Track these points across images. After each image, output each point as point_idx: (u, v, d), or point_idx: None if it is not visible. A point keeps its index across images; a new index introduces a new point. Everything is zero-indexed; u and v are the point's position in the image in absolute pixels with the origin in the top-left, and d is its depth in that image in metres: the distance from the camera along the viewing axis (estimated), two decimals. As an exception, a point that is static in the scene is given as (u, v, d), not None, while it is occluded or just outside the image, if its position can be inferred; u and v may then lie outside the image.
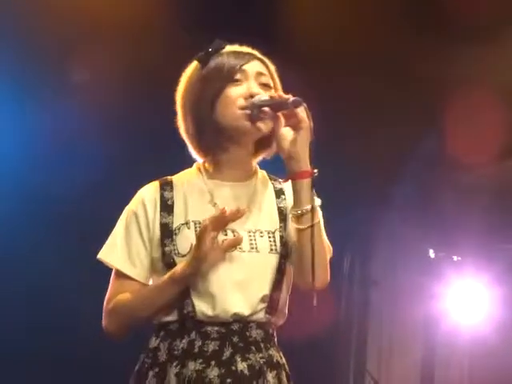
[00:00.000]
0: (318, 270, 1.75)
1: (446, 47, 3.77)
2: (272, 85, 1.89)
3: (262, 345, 1.84)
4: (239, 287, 1.82)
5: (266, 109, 1.78)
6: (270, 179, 1.97)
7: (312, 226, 1.74)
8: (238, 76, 1.85)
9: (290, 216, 1.81)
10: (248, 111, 1.79)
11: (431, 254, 6.06)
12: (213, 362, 1.78)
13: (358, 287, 6.14)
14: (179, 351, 1.82)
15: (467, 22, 3.69)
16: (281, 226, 1.86)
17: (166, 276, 1.82)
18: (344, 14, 3.90)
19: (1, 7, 3.87)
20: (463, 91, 3.97)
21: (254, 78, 1.85)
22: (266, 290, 1.83)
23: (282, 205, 1.89)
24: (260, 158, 1.97)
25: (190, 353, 1.80)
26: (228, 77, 1.84)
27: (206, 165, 1.94)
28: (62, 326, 4.32)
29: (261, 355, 1.82)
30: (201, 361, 1.79)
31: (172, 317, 1.86)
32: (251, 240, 1.84)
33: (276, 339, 1.92)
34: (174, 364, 1.81)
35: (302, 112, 1.73)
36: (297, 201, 1.76)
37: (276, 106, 1.76)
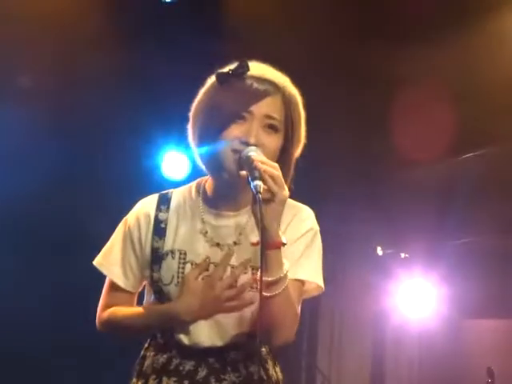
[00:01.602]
0: (283, 330, 1.76)
1: (393, 47, 3.81)
2: (280, 127, 1.82)
3: (241, 364, 1.83)
4: (214, 322, 1.82)
5: (244, 172, 1.73)
6: None
7: (281, 292, 1.71)
8: (245, 114, 1.79)
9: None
10: (237, 156, 1.76)
11: (379, 251, 6.13)
12: (186, 382, 1.80)
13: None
14: (158, 365, 1.84)
15: (413, 22, 3.74)
16: None
17: (155, 310, 1.86)
18: (292, 16, 3.92)
19: None
20: (410, 90, 4.02)
21: (259, 121, 1.80)
22: (244, 325, 1.83)
23: None
24: None
25: (167, 369, 1.82)
26: (234, 115, 1.79)
27: (207, 186, 1.92)
28: (16, 323, 4.29)
29: (237, 375, 1.82)
30: (175, 379, 1.80)
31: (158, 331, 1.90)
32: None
33: (265, 352, 1.90)
34: (153, 377, 1.83)
35: (273, 188, 1.66)
36: (266, 269, 1.71)
37: (249, 177, 1.69)
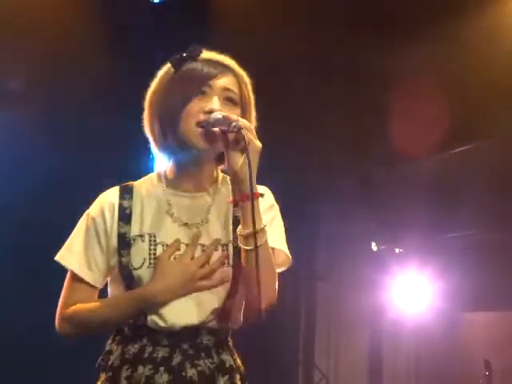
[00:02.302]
0: (264, 290, 1.72)
1: (384, 43, 3.81)
2: (238, 101, 1.87)
3: (214, 350, 1.84)
4: (189, 300, 1.81)
5: (216, 129, 1.78)
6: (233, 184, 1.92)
7: (256, 248, 1.72)
8: (204, 88, 1.84)
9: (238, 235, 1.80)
10: (203, 129, 1.80)
11: (373, 246, 6.14)
12: (162, 368, 1.78)
13: (304, 282, 6.20)
14: (130, 356, 1.81)
15: (410, 18, 3.75)
16: (234, 237, 1.85)
17: (127, 296, 1.84)
18: (291, 14, 3.93)
19: None
20: (405, 85, 4.03)
21: (219, 93, 1.85)
22: (216, 302, 1.83)
23: (238, 213, 1.84)
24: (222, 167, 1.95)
25: (141, 358, 1.80)
26: (195, 90, 1.82)
27: (167, 172, 1.92)
28: (9, 332, 4.27)
29: (211, 361, 1.82)
30: (150, 366, 1.79)
31: (124, 322, 1.86)
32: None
33: (231, 343, 1.92)
34: (125, 367, 1.81)
35: (248, 135, 1.70)
36: (244, 222, 1.74)
37: (223, 127, 1.74)
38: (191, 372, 1.79)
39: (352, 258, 5.99)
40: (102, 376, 1.84)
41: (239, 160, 1.74)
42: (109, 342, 1.88)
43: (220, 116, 1.79)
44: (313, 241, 6.21)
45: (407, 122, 4.38)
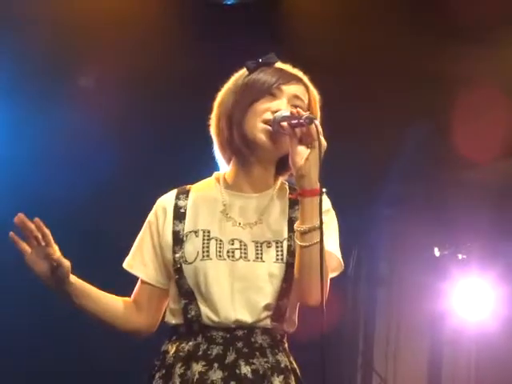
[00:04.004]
0: (312, 287, 1.76)
1: (450, 47, 3.78)
2: (305, 110, 1.87)
3: (269, 350, 1.85)
4: (242, 295, 1.84)
5: (284, 123, 1.80)
6: (290, 189, 1.97)
7: (315, 244, 1.75)
8: (274, 91, 1.88)
9: (295, 230, 1.81)
10: (269, 127, 1.83)
11: (436, 252, 6.06)
12: (215, 365, 1.81)
13: (365, 286, 6.16)
14: (185, 353, 1.84)
15: (470, 21, 3.70)
16: (290, 236, 1.87)
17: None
18: (343, 17, 3.92)
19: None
20: (468, 90, 3.98)
21: (289, 98, 1.88)
22: (269, 298, 1.85)
23: (294, 215, 1.89)
24: (282, 178, 1.98)
25: (195, 355, 1.83)
26: (265, 90, 1.87)
27: (226, 175, 1.96)
28: (65, 329, 4.31)
29: (265, 360, 1.84)
30: (204, 363, 1.81)
31: (179, 320, 1.90)
32: (257, 250, 1.86)
33: (286, 345, 1.92)
34: (179, 365, 1.84)
35: (315, 130, 1.74)
36: (303, 218, 1.78)
37: (293, 122, 1.77)
38: (245, 369, 1.81)
39: (413, 263, 5.93)
40: (156, 375, 1.87)
41: (304, 155, 1.76)
42: (165, 342, 1.92)
43: (288, 113, 1.81)
44: (374, 244, 6.16)
45: (473, 126, 4.32)
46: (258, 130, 1.84)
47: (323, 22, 3.90)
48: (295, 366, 1.91)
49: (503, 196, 5.04)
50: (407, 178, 5.28)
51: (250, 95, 1.87)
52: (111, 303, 1.96)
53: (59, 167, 4.35)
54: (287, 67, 1.95)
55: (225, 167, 2.00)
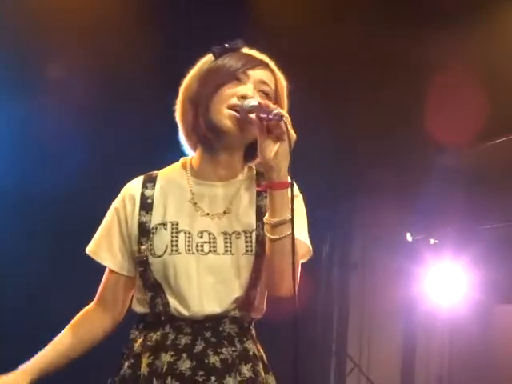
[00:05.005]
0: (284, 279, 1.75)
1: (424, 32, 3.78)
2: (272, 96, 1.88)
3: (237, 339, 1.85)
4: (212, 289, 1.83)
5: (252, 115, 1.77)
6: (258, 175, 1.95)
7: (285, 236, 1.74)
8: (240, 76, 1.85)
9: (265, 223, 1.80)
10: (235, 113, 1.81)
11: (409, 237, 6.10)
12: (184, 355, 1.80)
13: (338, 271, 6.18)
14: (152, 343, 1.83)
15: (446, 7, 3.71)
16: (258, 225, 1.86)
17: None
18: (320, 2, 3.92)
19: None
20: (440, 75, 4.00)
21: (255, 83, 1.86)
22: (238, 291, 1.84)
23: (261, 203, 1.88)
24: (250, 164, 1.96)
25: (163, 345, 1.82)
26: (231, 75, 1.84)
27: (192, 162, 1.94)
28: (48, 324, 4.28)
29: (233, 349, 1.83)
30: (172, 353, 1.80)
31: (145, 309, 1.89)
32: (226, 243, 1.85)
33: (253, 332, 1.92)
34: (147, 355, 1.83)
35: (284, 125, 1.70)
36: (272, 211, 1.75)
37: (262, 116, 1.74)
38: (214, 359, 1.80)
39: (386, 249, 5.96)
40: (125, 364, 1.86)
41: (273, 148, 1.73)
42: (133, 330, 1.90)
43: (256, 103, 1.78)
44: (348, 230, 6.19)
45: (444, 112, 4.34)
46: (224, 115, 1.81)
47: (295, 8, 3.90)
48: (262, 353, 1.91)
49: (475, 181, 5.07)
50: (379, 163, 5.30)
51: (215, 80, 1.84)
52: (73, 342, 1.94)
53: (33, 160, 4.31)
54: (254, 53, 1.93)
55: (191, 153, 1.98)
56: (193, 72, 1.93)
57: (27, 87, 4.09)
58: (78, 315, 1.99)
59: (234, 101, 1.82)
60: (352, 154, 5.12)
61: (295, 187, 1.90)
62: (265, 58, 1.93)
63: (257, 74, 1.87)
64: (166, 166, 2.00)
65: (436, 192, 5.30)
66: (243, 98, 1.81)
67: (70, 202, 4.27)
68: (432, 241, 6.03)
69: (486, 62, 3.96)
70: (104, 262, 1.94)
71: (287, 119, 1.72)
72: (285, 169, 1.73)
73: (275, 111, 1.71)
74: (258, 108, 1.75)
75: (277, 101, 1.88)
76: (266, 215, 1.78)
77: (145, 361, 1.82)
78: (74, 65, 4.14)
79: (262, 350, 1.91)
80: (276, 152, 1.73)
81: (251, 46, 1.95)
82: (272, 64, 1.93)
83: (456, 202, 5.15)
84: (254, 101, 1.78)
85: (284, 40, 3.76)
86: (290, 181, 1.75)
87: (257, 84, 1.86)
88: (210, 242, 1.84)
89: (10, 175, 4.20)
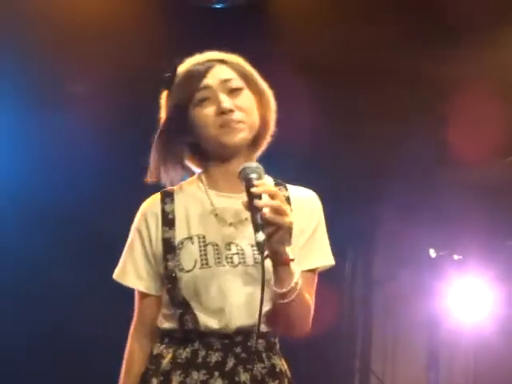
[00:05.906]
0: (298, 328, 1.86)
1: (445, 48, 3.78)
2: (241, 84, 1.88)
3: (265, 354, 1.85)
4: (244, 302, 1.82)
5: (245, 201, 1.72)
6: (276, 185, 1.93)
7: (293, 299, 1.76)
8: (202, 94, 1.85)
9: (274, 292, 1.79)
10: (225, 129, 1.81)
11: (432, 253, 6.06)
12: (216, 373, 1.79)
13: (361, 288, 6.15)
14: (183, 360, 1.82)
15: (466, 22, 3.71)
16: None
17: None
18: (342, 17, 3.92)
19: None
20: (465, 90, 3.99)
21: (220, 88, 1.85)
22: (268, 303, 1.83)
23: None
24: (258, 154, 1.96)
25: (194, 362, 1.81)
26: (192, 101, 1.85)
27: (206, 174, 1.95)
28: (61, 329, 4.32)
29: (263, 365, 1.84)
30: (204, 371, 1.80)
31: (172, 324, 1.87)
32: (254, 254, 1.84)
33: (278, 346, 1.92)
34: (178, 373, 1.81)
35: (277, 220, 1.68)
36: (279, 282, 1.76)
37: (253, 217, 1.69)
38: (244, 377, 1.80)
39: (409, 265, 5.93)
40: (154, 381, 1.84)
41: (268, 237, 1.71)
42: (157, 345, 1.88)
43: (251, 177, 1.74)
44: (370, 245, 6.16)
45: (469, 127, 4.33)
46: (222, 135, 1.83)
47: (312, 22, 3.90)
48: (286, 367, 1.91)
49: (499, 196, 5.04)
50: (403, 179, 5.29)
51: (181, 115, 1.85)
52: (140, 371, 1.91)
53: (53, 171, 4.34)
54: (195, 59, 1.93)
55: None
56: (163, 116, 1.93)
57: (47, 100, 4.13)
58: (132, 349, 1.94)
59: (219, 120, 1.82)
60: (376, 168, 5.10)
61: (316, 198, 1.93)
62: (207, 56, 1.93)
63: (213, 77, 1.86)
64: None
65: (459, 207, 5.27)
66: (222, 112, 1.82)
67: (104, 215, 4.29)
68: (456, 257, 5.99)
69: (507, 78, 3.95)
70: (134, 286, 1.92)
71: (272, 211, 1.67)
72: (282, 250, 1.73)
73: (257, 236, 1.66)
74: (251, 206, 1.70)
75: (248, 83, 1.89)
76: (275, 286, 1.77)
77: (175, 379, 1.80)
78: (95, 79, 4.18)
79: (285, 365, 1.92)
80: (270, 239, 1.69)
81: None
82: (227, 56, 1.92)
83: (479, 217, 5.12)
84: (252, 172, 1.73)
85: (297, 51, 3.77)
86: (290, 257, 1.74)
87: (221, 87, 1.85)
88: (238, 254, 1.84)
89: (27, 188, 4.23)
